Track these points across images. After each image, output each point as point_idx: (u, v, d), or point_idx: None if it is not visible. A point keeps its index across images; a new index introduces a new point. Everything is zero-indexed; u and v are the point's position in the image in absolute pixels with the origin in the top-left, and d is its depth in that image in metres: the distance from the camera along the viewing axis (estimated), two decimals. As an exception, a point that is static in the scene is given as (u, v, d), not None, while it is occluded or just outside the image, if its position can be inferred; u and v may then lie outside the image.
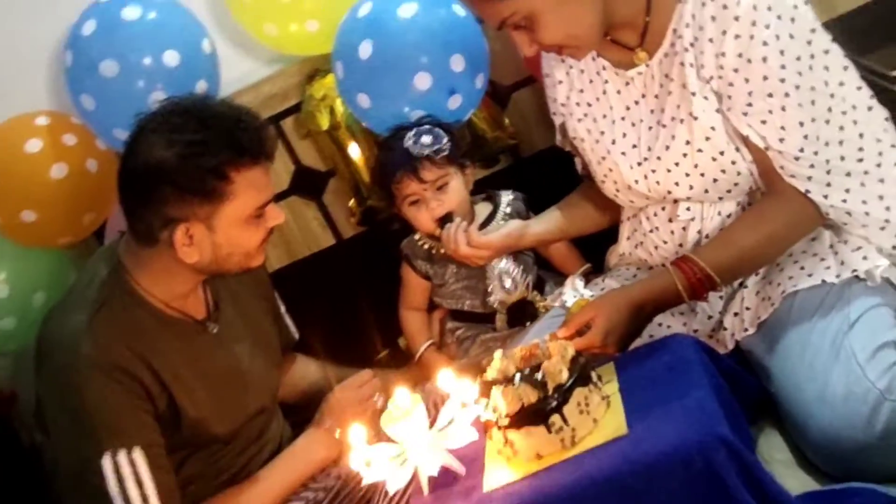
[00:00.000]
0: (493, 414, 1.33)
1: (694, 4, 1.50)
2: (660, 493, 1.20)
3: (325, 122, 2.20)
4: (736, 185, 1.56)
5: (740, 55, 1.46)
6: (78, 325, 1.59)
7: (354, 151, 2.22)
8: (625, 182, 1.67)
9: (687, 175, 1.58)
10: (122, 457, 1.54)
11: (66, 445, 1.59)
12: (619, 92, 1.65)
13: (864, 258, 1.48)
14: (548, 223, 1.86)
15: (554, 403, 1.29)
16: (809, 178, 1.47)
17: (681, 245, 1.65)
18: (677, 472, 1.18)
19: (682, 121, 1.55)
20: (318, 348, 2.14)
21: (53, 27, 2.17)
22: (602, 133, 1.69)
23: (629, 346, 1.53)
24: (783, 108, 1.45)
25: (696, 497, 1.19)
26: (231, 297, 1.80)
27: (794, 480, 1.38)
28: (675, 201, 1.63)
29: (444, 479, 1.38)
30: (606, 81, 1.66)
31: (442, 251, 1.87)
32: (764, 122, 1.47)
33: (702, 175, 1.56)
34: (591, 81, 1.69)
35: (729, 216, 1.60)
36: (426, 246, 1.94)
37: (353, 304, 2.23)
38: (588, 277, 1.87)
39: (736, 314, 1.59)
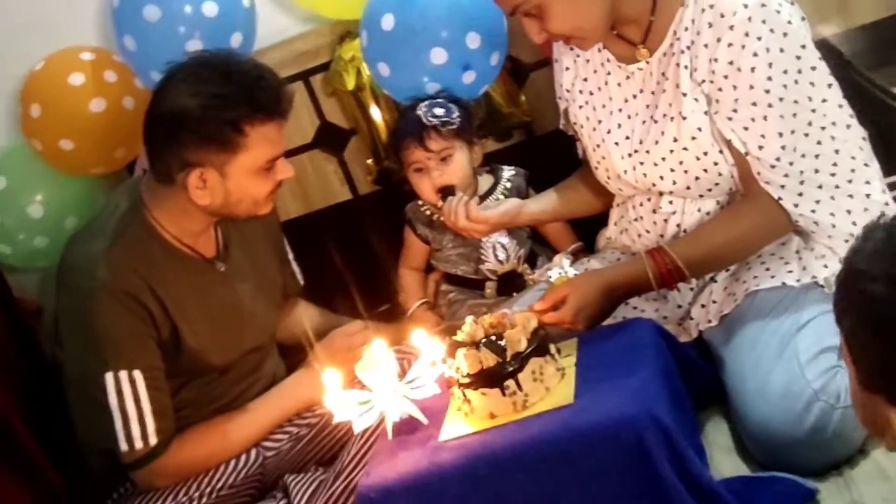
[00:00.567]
0: (456, 373, 1.45)
1: (694, 10, 1.57)
2: (593, 459, 1.31)
3: (350, 83, 2.30)
4: (717, 184, 1.65)
5: (731, 62, 1.54)
6: (96, 252, 1.73)
7: (376, 113, 2.32)
8: (615, 170, 1.76)
9: (672, 170, 1.67)
10: (123, 375, 1.69)
11: (75, 359, 1.75)
12: (619, 84, 1.74)
13: (826, 266, 1.57)
14: (544, 203, 1.96)
15: (510, 369, 1.40)
16: (783, 186, 1.56)
17: (661, 235, 1.74)
18: (610, 442, 1.30)
19: (672, 119, 1.64)
20: (322, 296, 2.27)
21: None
22: (599, 122, 1.78)
23: (598, 325, 1.63)
24: (765, 118, 1.53)
25: (625, 467, 1.30)
26: (241, 240, 1.93)
27: (729, 465, 1.49)
28: (660, 194, 1.72)
29: (409, 427, 1.51)
30: (609, 73, 1.75)
31: (442, 219, 1.98)
32: (746, 128, 1.56)
33: (685, 172, 1.65)
34: (594, 72, 1.78)
35: (708, 213, 1.69)
36: (428, 212, 2.05)
37: (361, 258, 2.35)
38: (577, 256, 1.98)
39: (703, 306, 1.68)
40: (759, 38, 1.51)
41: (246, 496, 1.81)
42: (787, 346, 1.49)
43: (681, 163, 1.65)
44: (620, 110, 1.74)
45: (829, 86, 1.56)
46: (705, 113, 1.60)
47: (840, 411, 1.42)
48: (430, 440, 1.45)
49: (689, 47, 1.59)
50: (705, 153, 1.62)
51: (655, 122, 1.67)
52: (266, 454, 1.84)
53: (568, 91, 1.84)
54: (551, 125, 2.31)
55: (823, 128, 1.55)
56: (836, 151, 1.55)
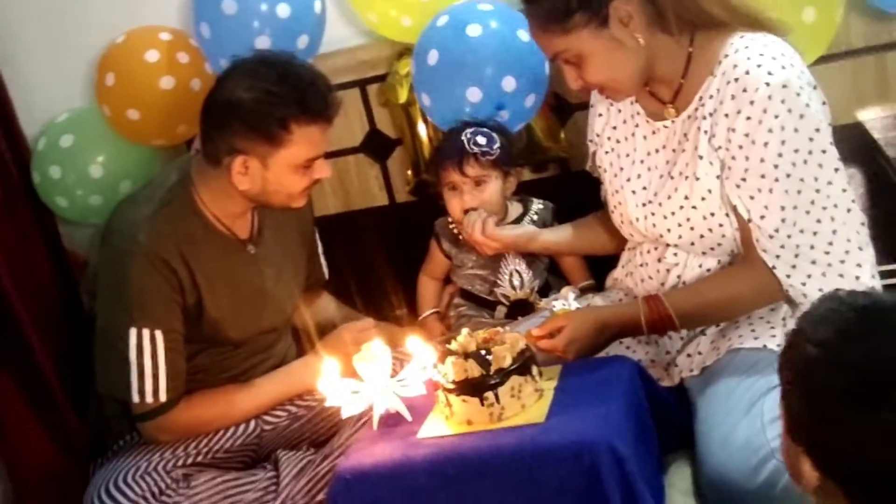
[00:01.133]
0: (443, 378, 1.56)
1: (721, 80, 1.67)
2: (552, 476, 1.42)
3: (402, 97, 2.44)
4: (719, 244, 1.75)
5: (747, 135, 1.64)
6: (141, 217, 1.89)
7: (422, 129, 2.45)
8: (629, 216, 1.86)
9: (679, 225, 1.76)
10: (145, 333, 1.84)
11: (105, 310, 1.90)
12: (644, 137, 1.84)
13: (807, 336, 1.65)
14: (558, 235, 2.07)
15: (491, 382, 1.52)
16: (778, 256, 1.65)
17: (662, 284, 1.84)
18: (568, 462, 1.40)
19: (686, 178, 1.74)
20: (345, 291, 2.40)
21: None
22: (622, 169, 1.88)
23: (587, 357, 1.74)
24: (770, 190, 1.63)
25: (579, 489, 1.40)
26: (274, 228, 2.06)
27: (684, 508, 1.58)
28: (666, 245, 1.82)
29: (394, 421, 1.63)
30: (637, 125, 1.85)
31: (463, 236, 2.10)
32: (752, 197, 1.65)
33: (691, 228, 1.75)
34: (624, 122, 1.89)
35: (708, 270, 1.78)
36: (455, 230, 2.17)
37: (387, 262, 2.47)
38: (585, 292, 2.08)
39: (689, 356, 1.78)
40: (776, 116, 1.60)
41: (239, 462, 1.95)
42: (756, 403, 1.57)
43: (688, 219, 1.75)
44: (642, 162, 1.84)
45: (836, 170, 1.64)
46: (717, 177, 1.69)
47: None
48: (410, 436, 1.57)
49: (711, 114, 1.69)
50: (712, 214, 1.72)
51: (672, 178, 1.77)
52: (264, 427, 1.98)
53: (598, 136, 1.95)
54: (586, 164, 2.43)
55: (825, 208, 1.63)
56: (834, 232, 1.64)
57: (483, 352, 1.57)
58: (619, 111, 1.90)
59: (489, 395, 1.51)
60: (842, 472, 1.02)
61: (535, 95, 2.18)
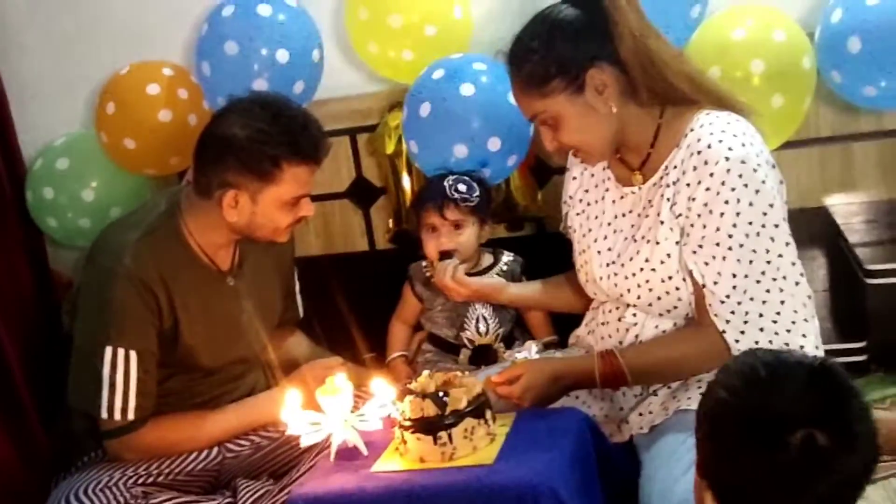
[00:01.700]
0: (400, 416, 1.63)
1: (685, 152, 1.77)
2: (495, 516, 1.48)
3: (390, 148, 2.54)
4: (675, 307, 1.83)
5: (705, 205, 1.73)
6: (128, 240, 1.96)
7: (406, 180, 2.55)
8: (593, 275, 1.94)
9: (638, 286, 1.85)
10: (120, 352, 1.90)
11: (84, 327, 1.97)
12: (613, 202, 1.93)
13: (752, 401, 1.73)
14: (526, 290, 2.16)
15: (445, 422, 1.58)
16: (728, 322, 1.73)
17: (620, 343, 1.91)
18: (511, 500, 1.47)
19: (648, 242, 1.83)
20: (318, 331, 2.47)
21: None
22: (590, 230, 1.97)
23: (542, 406, 1.81)
24: (724, 258, 1.72)
25: (520, 529, 1.46)
26: (255, 263, 2.14)
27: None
28: (627, 306, 1.90)
29: (351, 455, 1.69)
30: (607, 190, 1.95)
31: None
32: (707, 263, 1.74)
33: (650, 290, 1.83)
34: (596, 186, 1.98)
35: (664, 331, 1.86)
36: (427, 273, 2.26)
37: (361, 305, 2.54)
38: (548, 347, 2.16)
39: (640, 414, 1.84)
40: (733, 189, 1.70)
41: (198, 487, 1.99)
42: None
43: (647, 281, 1.83)
44: (609, 224, 1.93)
45: (787, 244, 1.73)
46: (676, 243, 1.78)
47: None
48: (364, 469, 1.63)
49: (674, 183, 1.78)
50: (670, 277, 1.80)
51: (635, 241, 1.86)
52: (227, 454, 2.03)
53: (571, 198, 2.04)
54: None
55: (774, 279, 1.72)
56: (782, 302, 1.72)
57: (441, 393, 1.63)
58: (592, 175, 1.99)
59: (443, 434, 1.58)
60: None
61: (516, 156, 2.29)
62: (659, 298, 1.83)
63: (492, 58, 2.14)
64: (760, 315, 1.72)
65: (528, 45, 1.78)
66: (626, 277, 1.86)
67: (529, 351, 1.96)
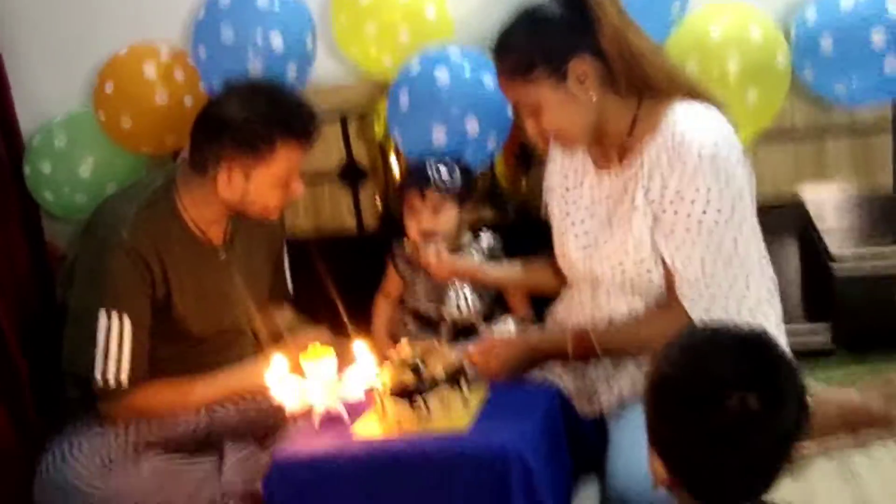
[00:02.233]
0: (380, 382, 1.72)
1: (660, 141, 1.85)
2: (466, 479, 1.57)
3: (379, 133, 2.62)
4: (647, 289, 1.91)
5: (678, 192, 1.82)
6: (125, 213, 2.04)
7: (393, 164, 2.63)
8: (570, 256, 2.03)
9: (612, 268, 1.93)
10: (114, 316, 1.98)
11: (80, 294, 2.05)
12: (591, 187, 2.02)
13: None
14: (507, 271, 2.24)
15: (421, 389, 1.67)
16: (694, 302, 1.82)
17: (592, 319, 2.00)
18: (482, 469, 1.57)
19: (622, 225, 1.91)
20: (308, 307, 2.54)
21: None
22: (568, 214, 2.05)
23: (516, 377, 1.90)
24: (693, 243, 1.80)
25: (489, 495, 1.55)
26: (246, 238, 2.22)
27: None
28: (601, 285, 1.99)
29: (333, 419, 1.77)
30: (586, 174, 2.03)
31: (418, 258, 2.27)
32: (677, 248, 1.83)
33: (623, 272, 1.92)
34: (575, 171, 2.06)
35: (635, 311, 1.95)
36: (409, 250, 2.34)
37: (349, 283, 2.61)
38: (524, 322, 2.25)
39: (611, 387, 1.93)
40: (704, 178, 1.79)
41: (187, 449, 2.07)
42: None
43: (621, 263, 1.91)
44: (587, 208, 2.01)
45: (753, 232, 1.82)
46: (649, 227, 1.87)
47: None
48: (346, 433, 1.71)
49: (649, 170, 1.86)
50: (642, 260, 1.89)
51: (610, 225, 1.94)
52: (214, 418, 2.11)
53: (552, 183, 2.13)
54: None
55: (741, 264, 1.81)
56: (747, 287, 1.81)
57: (419, 361, 1.72)
58: (572, 161, 2.07)
59: (419, 399, 1.67)
60: (680, 468, 1.22)
61: (495, 137, 2.37)
62: (631, 280, 1.92)
63: (468, 47, 2.22)
64: (726, 297, 1.81)
65: (513, 36, 1.86)
66: (601, 260, 1.95)
67: (507, 325, 2.05)
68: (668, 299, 1.88)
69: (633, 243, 1.89)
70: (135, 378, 2.00)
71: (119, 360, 1.98)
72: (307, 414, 1.82)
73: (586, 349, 1.87)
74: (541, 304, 2.34)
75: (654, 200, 1.86)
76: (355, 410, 1.78)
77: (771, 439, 1.18)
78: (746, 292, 1.81)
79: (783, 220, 2.50)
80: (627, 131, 1.92)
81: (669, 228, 1.83)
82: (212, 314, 2.14)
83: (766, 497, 1.23)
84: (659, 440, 1.24)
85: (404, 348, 1.78)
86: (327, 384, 1.76)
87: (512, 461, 1.54)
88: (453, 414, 1.69)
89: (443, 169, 2.26)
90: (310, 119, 2.06)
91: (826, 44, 2.20)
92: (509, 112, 2.33)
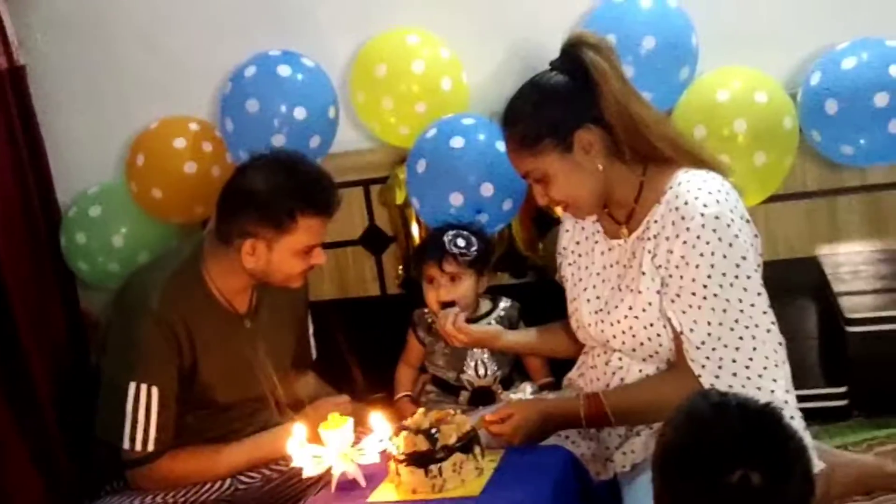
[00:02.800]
0: (396, 450, 1.76)
1: (665, 208, 1.90)
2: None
3: (400, 199, 2.70)
4: (657, 353, 1.95)
5: (682, 257, 1.86)
6: (154, 282, 2.13)
7: (414, 229, 2.71)
8: (582, 322, 2.07)
9: (623, 332, 1.97)
10: (143, 388, 2.05)
11: (111, 362, 2.13)
12: (602, 253, 2.06)
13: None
14: (523, 337, 2.29)
15: (436, 456, 1.71)
16: (703, 367, 1.84)
17: (607, 385, 2.03)
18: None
19: (631, 291, 1.95)
20: (331, 370, 2.61)
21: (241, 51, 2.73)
22: (580, 279, 2.10)
23: (532, 444, 1.93)
24: (699, 307, 1.84)
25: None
26: (270, 306, 2.29)
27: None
28: (613, 350, 2.03)
29: (350, 486, 1.82)
30: (597, 242, 2.08)
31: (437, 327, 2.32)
32: (684, 311, 1.86)
33: (633, 336, 1.96)
34: (586, 238, 2.11)
35: (647, 375, 1.98)
36: (429, 319, 2.40)
37: (372, 347, 2.67)
38: (543, 389, 2.29)
39: (624, 453, 1.96)
40: (708, 243, 1.83)
41: (213, 517, 2.13)
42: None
43: (631, 328, 1.95)
44: (598, 274, 2.06)
45: (759, 294, 1.85)
46: (657, 292, 1.91)
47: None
48: (361, 499, 1.76)
49: (655, 236, 1.91)
50: (651, 325, 1.92)
51: (620, 290, 1.99)
52: (239, 486, 2.17)
53: (564, 248, 2.18)
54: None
55: (747, 327, 1.84)
56: (754, 349, 1.84)
57: (433, 430, 1.77)
58: (583, 228, 2.13)
59: (433, 467, 1.71)
60: None
61: (511, 200, 2.43)
62: (642, 344, 1.95)
63: (484, 117, 2.30)
64: (734, 361, 1.84)
65: (520, 108, 1.93)
66: (612, 324, 1.99)
67: (524, 392, 2.10)
68: (678, 363, 1.91)
69: (641, 308, 1.93)
70: (161, 446, 2.07)
71: (146, 429, 2.05)
72: (326, 480, 1.87)
73: (599, 415, 1.90)
74: (560, 369, 2.38)
75: (660, 266, 1.90)
76: (372, 476, 1.83)
77: None
78: (754, 354, 1.84)
79: (799, 280, 2.53)
80: (634, 198, 1.97)
81: (676, 293, 1.87)
82: (237, 382, 2.20)
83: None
84: (658, 501, 1.26)
85: (419, 416, 1.83)
86: (345, 451, 1.81)
87: (523, 527, 1.57)
88: (467, 481, 1.73)
89: (459, 240, 2.31)
90: (330, 191, 2.13)
91: (831, 106, 2.24)
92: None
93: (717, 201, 1.85)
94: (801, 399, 1.97)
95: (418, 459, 1.72)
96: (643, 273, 1.93)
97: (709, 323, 1.84)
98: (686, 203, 1.86)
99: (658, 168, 1.95)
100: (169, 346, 2.09)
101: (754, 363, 1.84)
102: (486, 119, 2.31)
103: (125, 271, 2.68)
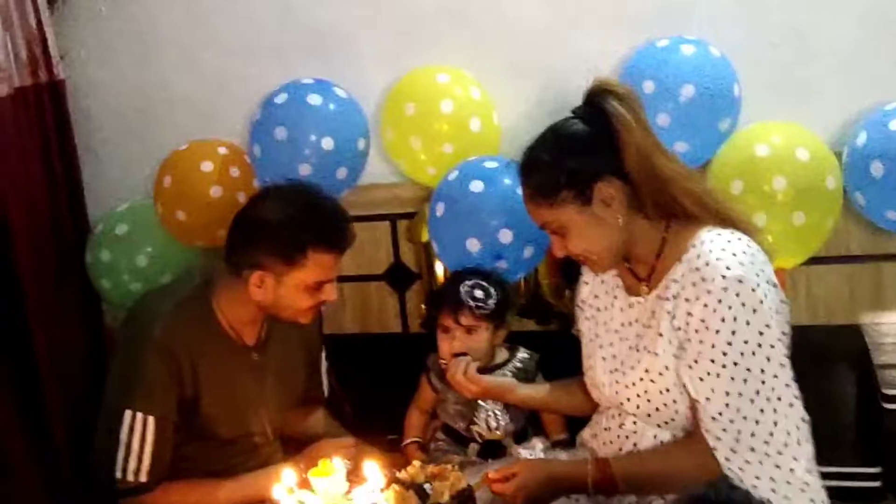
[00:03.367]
0: (385, 503, 1.69)
1: (686, 268, 1.80)
2: None
3: (425, 236, 2.63)
4: (673, 419, 1.84)
5: (703, 320, 1.76)
6: (161, 310, 2.09)
7: (439, 268, 2.64)
8: (597, 381, 1.98)
9: (638, 396, 1.87)
10: (139, 417, 2.01)
11: (110, 388, 2.09)
12: (621, 310, 1.97)
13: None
14: (536, 392, 2.19)
15: (425, 513, 1.63)
16: (719, 439, 1.74)
17: (620, 449, 1.93)
18: None
19: (649, 352, 1.86)
20: (341, 408, 2.54)
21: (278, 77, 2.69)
22: (597, 335, 2.01)
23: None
24: (718, 375, 1.73)
25: None
26: (280, 340, 2.23)
27: None
28: (628, 413, 1.93)
29: (339, 535, 1.75)
30: (616, 297, 1.99)
31: None
32: (701, 379, 1.76)
33: (648, 401, 1.86)
34: (606, 293, 2.02)
35: (661, 442, 1.87)
36: (443, 366, 2.31)
37: (392, 385, 2.60)
38: (556, 446, 2.19)
39: (633, 522, 1.86)
40: (730, 308, 1.72)
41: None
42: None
43: (646, 391, 1.85)
44: (616, 331, 1.97)
45: (782, 365, 1.74)
46: (674, 356, 1.81)
47: None
48: (347, 552, 1.69)
49: (675, 296, 1.81)
50: (667, 389, 1.82)
51: (637, 350, 1.89)
52: (233, 522, 2.10)
53: (583, 302, 2.09)
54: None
55: (768, 399, 1.73)
56: (775, 423, 1.72)
57: (426, 484, 1.68)
58: (603, 282, 2.03)
59: (421, 524, 1.63)
60: None
61: (533, 247, 2.34)
62: (657, 409, 1.85)
63: (513, 159, 2.22)
64: (752, 435, 1.73)
65: (538, 157, 1.85)
66: (627, 386, 1.89)
67: (534, 449, 2.00)
68: (693, 432, 1.80)
69: (658, 371, 1.83)
70: (154, 477, 2.02)
71: (140, 459, 2.00)
72: (315, 527, 1.80)
73: (607, 482, 1.80)
74: (577, 424, 2.28)
75: (679, 328, 1.80)
76: (363, 527, 1.75)
77: None
78: (774, 429, 1.73)
79: (838, 348, 2.40)
80: (656, 254, 1.88)
81: (694, 358, 1.77)
82: (240, 416, 2.15)
83: None
84: None
85: (415, 469, 1.75)
86: (334, 499, 1.73)
87: None
88: (455, 542, 1.65)
89: (477, 292, 2.22)
90: (343, 227, 2.08)
91: (876, 169, 2.13)
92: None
93: (741, 263, 1.75)
94: (831, 477, 1.85)
95: (406, 515, 1.65)
96: (660, 335, 1.83)
97: (727, 393, 1.73)
98: (707, 264, 1.76)
99: (681, 224, 1.85)
100: (170, 376, 2.04)
101: (774, 439, 1.73)
102: (505, 160, 2.23)
103: (147, 292, 2.67)
